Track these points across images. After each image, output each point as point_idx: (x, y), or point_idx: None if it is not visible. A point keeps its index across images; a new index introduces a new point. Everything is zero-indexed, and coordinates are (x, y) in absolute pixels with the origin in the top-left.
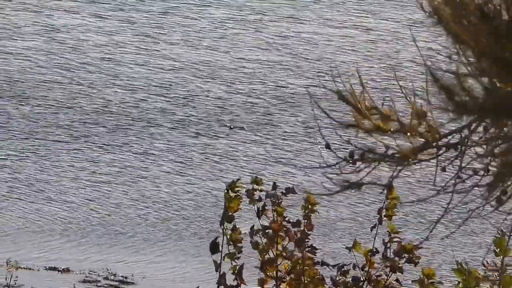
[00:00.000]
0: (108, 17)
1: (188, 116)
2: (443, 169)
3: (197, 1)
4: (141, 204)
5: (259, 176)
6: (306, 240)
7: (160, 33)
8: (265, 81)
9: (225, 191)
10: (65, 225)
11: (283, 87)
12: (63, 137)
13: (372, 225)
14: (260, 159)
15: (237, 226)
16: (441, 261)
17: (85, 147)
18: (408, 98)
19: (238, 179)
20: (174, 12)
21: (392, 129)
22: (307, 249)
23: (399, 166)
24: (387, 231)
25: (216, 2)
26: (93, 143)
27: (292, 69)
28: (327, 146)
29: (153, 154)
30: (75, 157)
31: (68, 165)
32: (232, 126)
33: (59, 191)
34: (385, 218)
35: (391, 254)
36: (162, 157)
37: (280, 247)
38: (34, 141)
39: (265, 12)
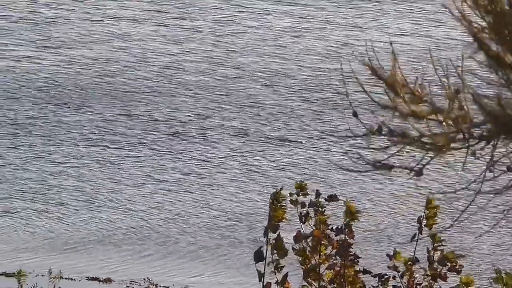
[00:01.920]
0: (172, 25)
1: (249, 124)
2: (473, 154)
3: (259, 10)
4: (200, 211)
5: (303, 181)
6: (349, 248)
7: (222, 41)
8: (325, 89)
9: (270, 201)
10: (124, 234)
11: (343, 94)
12: (123, 144)
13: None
14: (321, 167)
15: (281, 236)
16: (492, 269)
17: (146, 155)
18: (442, 81)
19: (281, 188)
20: (236, 21)
21: (427, 116)
22: (349, 258)
23: (431, 153)
24: (431, 239)
25: (278, 10)
26: (154, 150)
27: (352, 76)
28: (355, 115)
29: (214, 161)
30: (136, 165)
31: (129, 173)
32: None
33: (120, 199)
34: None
35: (435, 262)
36: (223, 164)
37: (323, 255)
38: (95, 148)
39: (326, 20)
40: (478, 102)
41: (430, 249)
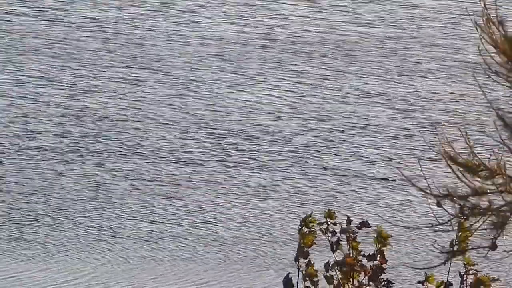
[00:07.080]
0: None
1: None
2: None
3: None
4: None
5: (332, 210)
6: (381, 274)
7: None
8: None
9: (299, 227)
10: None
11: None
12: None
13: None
14: None
15: (312, 262)
16: None
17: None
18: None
19: (311, 214)
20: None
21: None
22: (382, 284)
23: (500, 228)
24: (463, 263)
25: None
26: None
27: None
28: (439, 204)
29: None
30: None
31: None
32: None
33: None
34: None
35: (467, 286)
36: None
37: (356, 282)
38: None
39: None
40: None
41: (462, 273)
